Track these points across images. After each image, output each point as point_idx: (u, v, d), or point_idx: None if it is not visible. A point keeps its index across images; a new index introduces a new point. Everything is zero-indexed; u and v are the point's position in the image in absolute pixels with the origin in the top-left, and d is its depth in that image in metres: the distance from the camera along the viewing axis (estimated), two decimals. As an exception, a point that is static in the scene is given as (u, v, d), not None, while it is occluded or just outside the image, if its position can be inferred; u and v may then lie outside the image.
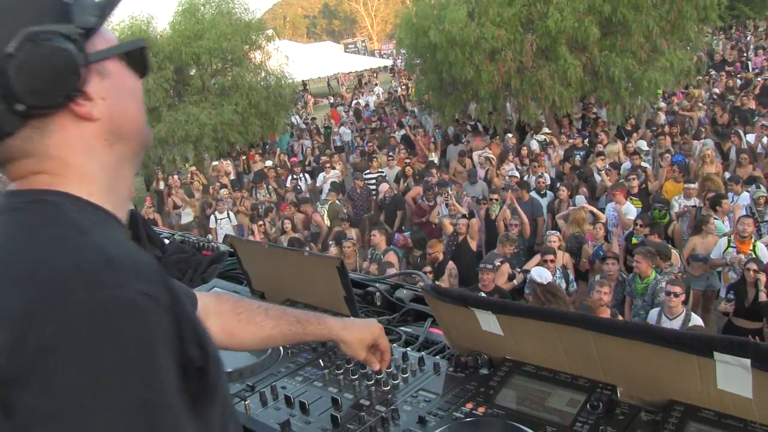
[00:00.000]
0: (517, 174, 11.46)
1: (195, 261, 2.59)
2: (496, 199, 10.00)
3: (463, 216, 9.64)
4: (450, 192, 10.30)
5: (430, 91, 16.51)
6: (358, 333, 1.48)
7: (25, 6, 0.87)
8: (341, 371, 1.65)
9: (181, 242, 2.78)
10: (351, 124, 22.24)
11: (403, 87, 27.95)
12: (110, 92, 0.93)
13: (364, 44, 48.62)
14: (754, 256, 6.99)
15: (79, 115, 0.90)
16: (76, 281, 0.77)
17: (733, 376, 1.20)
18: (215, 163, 16.17)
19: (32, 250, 0.83)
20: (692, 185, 9.54)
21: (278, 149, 17.88)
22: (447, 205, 10.07)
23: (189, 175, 15.13)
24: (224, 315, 1.44)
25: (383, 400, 1.51)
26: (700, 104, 15.37)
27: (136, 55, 0.97)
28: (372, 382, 1.57)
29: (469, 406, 1.44)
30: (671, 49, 14.30)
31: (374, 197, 12.38)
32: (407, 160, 13.63)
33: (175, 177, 14.92)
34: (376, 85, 32.06)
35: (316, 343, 1.82)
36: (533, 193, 10.36)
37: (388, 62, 39.36)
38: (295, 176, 14.19)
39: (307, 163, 16.19)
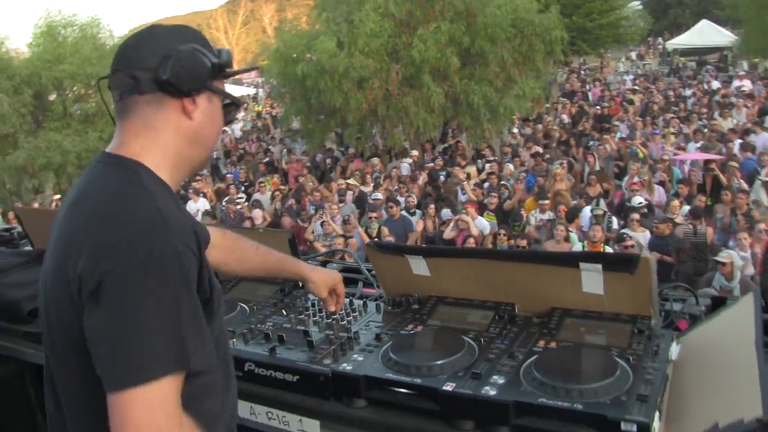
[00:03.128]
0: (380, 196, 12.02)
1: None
2: (376, 217, 10.60)
3: (341, 236, 10.15)
4: (326, 210, 10.79)
5: (299, 117, 17.01)
6: (324, 276, 1.93)
7: (200, 37, 1.39)
8: (303, 315, 2.09)
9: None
10: (215, 152, 22.26)
11: (268, 115, 28.32)
12: (207, 113, 1.40)
13: (226, 73, 48.35)
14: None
15: (185, 110, 1.36)
16: (142, 230, 1.21)
17: (591, 280, 1.78)
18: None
19: (117, 200, 1.27)
20: (546, 201, 10.61)
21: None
22: (322, 224, 10.55)
23: (53, 205, 14.64)
24: (224, 249, 1.85)
25: (344, 329, 1.97)
26: (555, 128, 16.89)
27: (231, 109, 1.47)
28: (331, 320, 2.02)
29: (410, 326, 1.94)
30: (523, 79, 15.74)
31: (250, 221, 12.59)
32: (281, 187, 13.97)
33: (36, 206, 14.39)
34: (241, 112, 32.15)
35: (276, 298, 2.25)
36: (403, 212, 11.09)
37: (251, 91, 39.48)
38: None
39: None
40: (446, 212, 10.89)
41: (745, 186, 9.76)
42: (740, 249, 7.62)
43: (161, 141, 1.35)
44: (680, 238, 8.25)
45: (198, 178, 15.96)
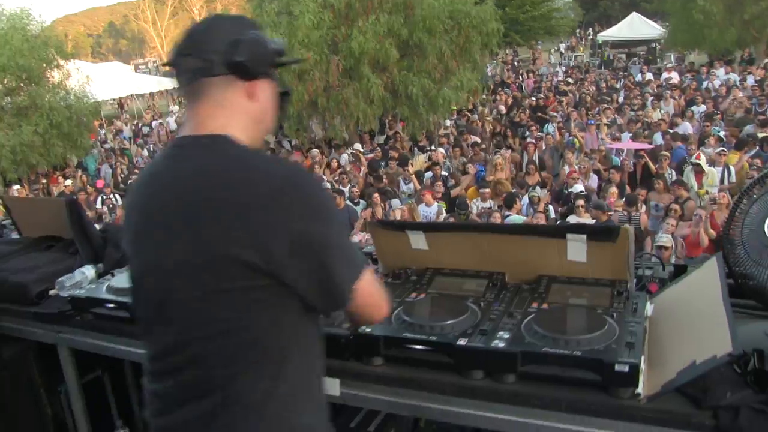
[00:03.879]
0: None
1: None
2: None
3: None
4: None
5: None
6: None
7: (258, 26, 1.53)
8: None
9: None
10: (154, 144, 21.95)
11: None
12: (267, 97, 1.55)
13: (156, 65, 47.22)
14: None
15: (249, 92, 1.50)
16: (302, 174, 1.43)
17: (575, 249, 2.03)
18: (16, 187, 15.24)
19: (249, 163, 1.39)
20: (486, 189, 10.99)
21: (79, 171, 17.20)
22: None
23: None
24: None
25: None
26: (488, 119, 17.35)
27: (285, 98, 1.64)
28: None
29: (413, 294, 2.15)
30: (461, 70, 16.10)
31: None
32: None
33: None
34: (175, 104, 31.69)
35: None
36: (347, 201, 11.28)
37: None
38: (106, 197, 13.93)
39: (113, 184, 15.85)
40: (396, 202, 11.14)
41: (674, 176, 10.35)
42: (664, 233, 8.08)
43: (235, 120, 1.48)
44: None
45: (137, 171, 15.79)
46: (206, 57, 1.45)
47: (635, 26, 32.63)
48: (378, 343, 1.87)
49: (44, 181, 16.43)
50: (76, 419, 2.93)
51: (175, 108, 30.49)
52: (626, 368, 1.60)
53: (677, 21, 26.35)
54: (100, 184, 16.06)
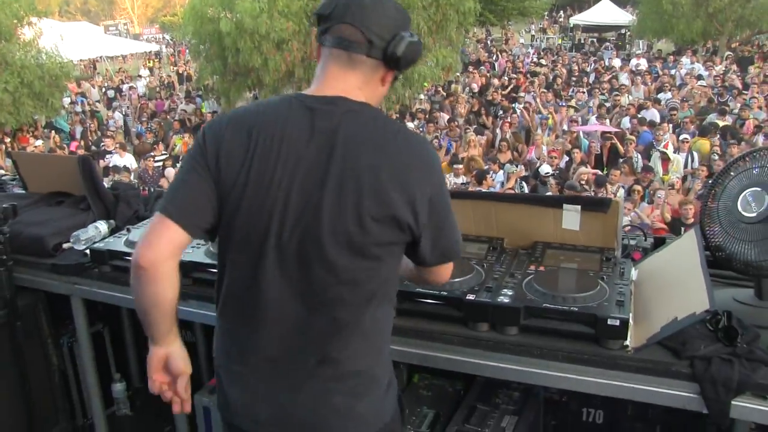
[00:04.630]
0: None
1: (144, 197, 3.19)
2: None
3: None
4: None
5: (215, 76, 16.87)
6: None
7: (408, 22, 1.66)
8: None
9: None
10: (126, 108, 21.70)
11: (174, 73, 27.77)
12: (388, 84, 1.68)
13: (126, 27, 46.35)
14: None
15: (384, 80, 1.65)
16: (431, 146, 1.66)
17: (570, 218, 2.24)
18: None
19: (412, 137, 1.62)
20: (459, 165, 11.23)
21: (52, 132, 16.91)
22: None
23: None
24: None
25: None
26: (463, 96, 17.55)
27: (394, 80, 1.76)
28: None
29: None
30: (437, 47, 16.25)
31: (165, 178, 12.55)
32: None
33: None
34: (144, 68, 31.26)
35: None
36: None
37: (154, 47, 38.23)
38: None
39: (84, 147, 15.67)
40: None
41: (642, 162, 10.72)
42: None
43: (372, 96, 1.64)
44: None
45: (110, 133, 15.64)
46: (370, 38, 1.56)
47: (607, 12, 33.07)
48: (393, 297, 2.06)
49: (8, 140, 16.11)
50: (85, 370, 3.06)
51: (146, 72, 30.08)
52: (617, 322, 1.82)
53: (647, 9, 26.96)
54: (74, 146, 15.89)
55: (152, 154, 12.96)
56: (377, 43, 1.57)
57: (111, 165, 12.42)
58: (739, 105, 14.26)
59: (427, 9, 15.73)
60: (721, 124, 12.70)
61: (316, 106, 1.57)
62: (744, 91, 15.83)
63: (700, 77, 18.11)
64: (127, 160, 12.88)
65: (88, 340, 2.94)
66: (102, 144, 14.69)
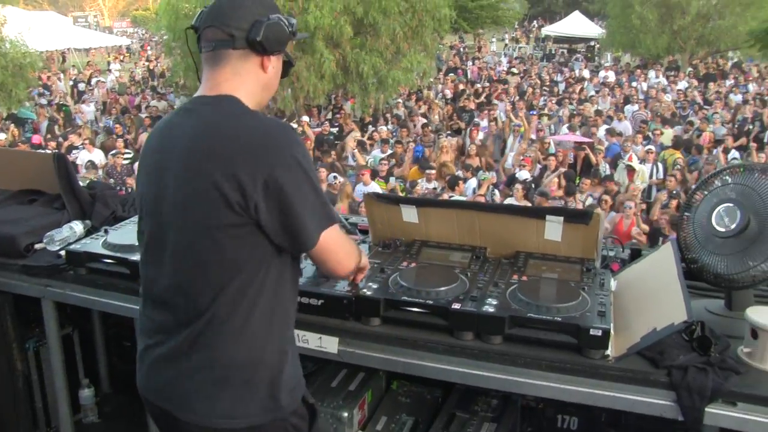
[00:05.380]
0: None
1: (122, 197, 3.15)
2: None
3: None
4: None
5: (189, 74, 16.69)
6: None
7: (278, 9, 1.74)
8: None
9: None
10: (95, 102, 21.29)
11: (145, 69, 27.38)
12: (276, 68, 1.79)
13: (96, 20, 45.61)
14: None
15: (262, 65, 1.74)
16: (284, 128, 1.68)
17: (552, 229, 2.28)
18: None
19: (241, 119, 1.66)
20: (432, 171, 11.29)
21: (11, 124, 16.44)
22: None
23: None
24: None
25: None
26: (437, 102, 17.66)
27: (288, 66, 1.85)
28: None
29: (405, 263, 2.36)
30: (411, 53, 16.33)
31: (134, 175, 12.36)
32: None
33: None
34: (115, 62, 30.75)
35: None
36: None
37: (125, 41, 37.76)
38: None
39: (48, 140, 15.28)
40: (331, 177, 11.26)
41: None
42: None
43: (246, 86, 1.74)
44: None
45: (80, 129, 15.34)
46: (230, 32, 1.68)
47: (577, 24, 33.62)
48: (378, 305, 2.07)
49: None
50: (53, 375, 2.94)
51: (116, 66, 29.58)
52: (599, 332, 1.86)
53: (616, 23, 27.53)
54: (36, 140, 15.48)
55: (117, 150, 12.75)
56: (238, 35, 1.68)
57: (80, 161, 12.19)
58: (698, 120, 14.62)
59: (404, 14, 15.80)
60: (684, 136, 13.07)
61: (188, 107, 1.75)
62: (705, 106, 16.26)
63: (664, 91, 18.54)
64: (96, 155, 12.66)
65: (58, 344, 2.84)
66: (67, 138, 14.33)
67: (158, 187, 1.72)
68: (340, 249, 1.78)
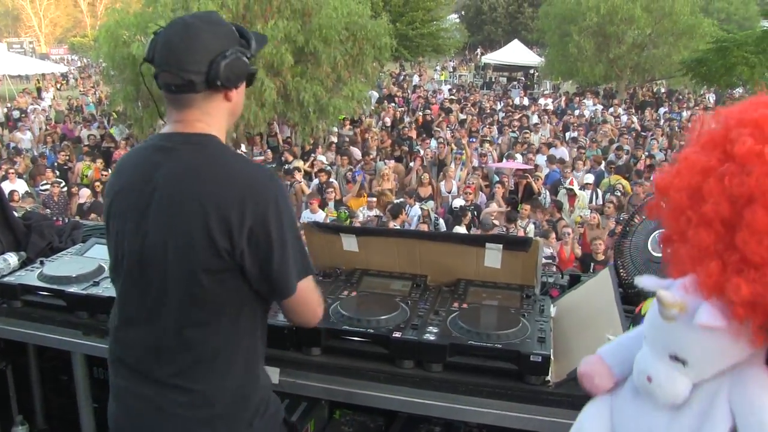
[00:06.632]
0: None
1: (59, 228, 3.05)
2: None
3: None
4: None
5: (128, 102, 16.40)
6: None
7: (234, 36, 1.68)
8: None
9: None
10: (29, 130, 20.68)
11: (82, 96, 26.79)
12: (239, 92, 1.74)
13: (32, 46, 44.53)
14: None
15: (227, 97, 1.69)
16: (270, 177, 1.65)
17: (492, 256, 2.30)
18: None
19: (228, 164, 1.66)
20: (373, 199, 11.38)
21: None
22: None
23: None
24: None
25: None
26: (375, 130, 17.78)
27: (252, 78, 1.76)
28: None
29: (345, 292, 2.34)
30: (352, 81, 16.45)
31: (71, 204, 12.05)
32: (104, 173, 13.33)
33: None
34: (50, 90, 30.03)
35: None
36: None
37: (62, 68, 36.95)
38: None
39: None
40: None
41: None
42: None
43: (216, 121, 1.71)
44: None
45: (17, 159, 14.85)
46: (189, 78, 1.61)
47: (516, 52, 34.47)
48: (318, 335, 2.05)
49: None
50: None
51: (49, 95, 28.84)
52: (540, 359, 1.87)
53: (554, 52, 28.39)
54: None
55: (54, 180, 12.37)
56: (198, 80, 1.62)
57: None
58: (629, 147, 15.11)
59: (344, 43, 15.91)
60: (619, 162, 13.50)
61: (161, 145, 1.71)
62: (643, 133, 16.83)
63: (605, 121, 19.11)
64: (19, 185, 12.26)
65: (-11, 382, 2.75)
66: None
67: (137, 226, 1.67)
68: (314, 298, 1.79)
